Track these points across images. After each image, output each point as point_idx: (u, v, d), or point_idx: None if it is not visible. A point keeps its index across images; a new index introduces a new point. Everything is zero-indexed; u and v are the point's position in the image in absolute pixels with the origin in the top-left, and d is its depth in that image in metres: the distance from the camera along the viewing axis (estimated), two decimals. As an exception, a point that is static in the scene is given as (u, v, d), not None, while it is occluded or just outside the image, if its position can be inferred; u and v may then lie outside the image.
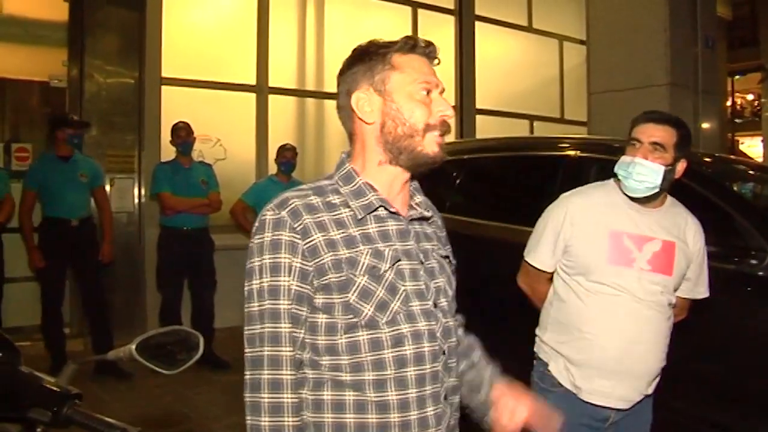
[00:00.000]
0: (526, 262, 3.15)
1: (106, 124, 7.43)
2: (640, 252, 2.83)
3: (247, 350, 1.66)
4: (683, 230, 2.94)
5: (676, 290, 2.95)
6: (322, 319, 1.66)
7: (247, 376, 1.65)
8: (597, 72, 9.15)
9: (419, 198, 1.88)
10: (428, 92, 1.75)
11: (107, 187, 7.07)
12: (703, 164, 4.93)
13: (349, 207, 1.71)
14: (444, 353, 1.75)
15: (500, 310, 4.43)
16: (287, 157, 7.09)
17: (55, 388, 1.50)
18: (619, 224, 2.86)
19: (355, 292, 1.64)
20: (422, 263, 1.76)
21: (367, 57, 1.76)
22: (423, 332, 1.70)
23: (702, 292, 3.09)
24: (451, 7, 10.53)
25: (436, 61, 1.81)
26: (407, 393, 1.67)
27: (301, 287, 1.64)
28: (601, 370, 2.85)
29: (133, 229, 7.51)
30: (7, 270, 6.71)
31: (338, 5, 9.49)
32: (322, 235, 1.64)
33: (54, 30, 7.68)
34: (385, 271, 1.68)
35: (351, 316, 1.65)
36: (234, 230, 7.38)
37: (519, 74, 11.37)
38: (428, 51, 1.79)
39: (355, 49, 1.81)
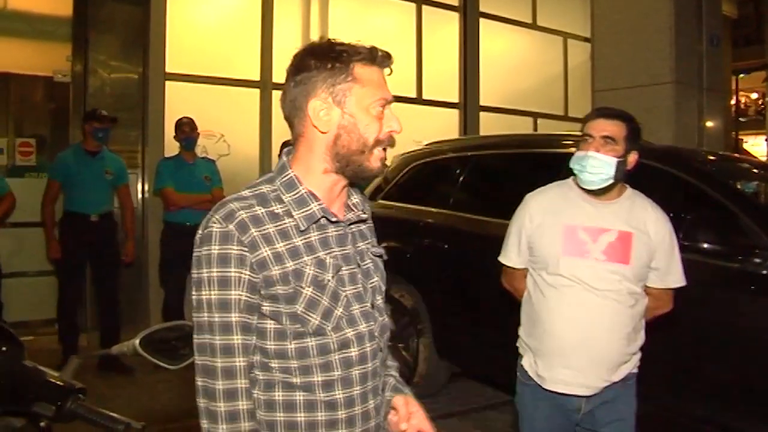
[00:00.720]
0: (499, 261, 3.33)
1: (110, 119, 7.45)
2: (594, 243, 2.95)
3: (198, 358, 1.68)
4: (643, 220, 3.02)
5: (642, 280, 3.02)
6: (270, 325, 1.70)
7: (200, 383, 1.67)
8: (601, 69, 9.14)
9: (355, 198, 1.91)
10: (383, 108, 1.77)
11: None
12: (707, 162, 4.92)
13: (292, 217, 1.73)
14: (381, 350, 1.85)
15: (500, 306, 4.43)
16: (290, 153, 7.03)
17: (58, 383, 1.50)
18: (574, 218, 3.00)
19: (302, 303, 1.69)
20: (359, 266, 1.83)
21: (329, 62, 1.73)
22: (365, 334, 1.78)
23: (675, 281, 3.11)
24: (456, 3, 10.51)
25: (388, 71, 1.80)
26: (352, 391, 1.76)
27: (251, 298, 1.66)
28: (560, 358, 2.98)
29: (136, 224, 7.51)
30: (19, 264, 6.78)
31: (343, 1, 9.48)
32: (270, 249, 1.67)
33: (58, 25, 7.67)
34: (329, 281, 1.73)
35: (299, 326, 1.69)
36: (237, 226, 7.36)
37: (523, 71, 11.35)
38: (387, 63, 1.79)
39: (313, 47, 1.78)
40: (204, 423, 1.67)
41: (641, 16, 8.61)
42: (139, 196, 7.57)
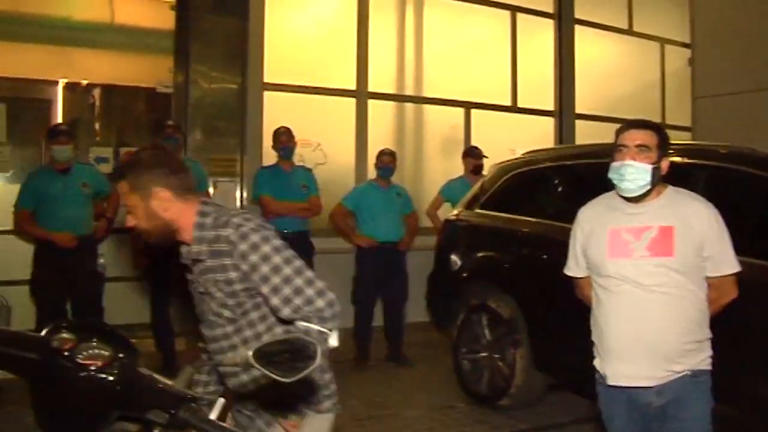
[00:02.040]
0: (565, 275, 3.54)
1: (210, 128, 7.62)
2: (638, 241, 3.10)
3: None
4: (684, 214, 3.11)
5: (694, 269, 3.11)
6: None
7: None
8: (702, 75, 8.93)
9: (187, 247, 2.62)
10: None
11: (211, 190, 7.24)
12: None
13: None
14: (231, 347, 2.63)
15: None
16: (386, 161, 7.11)
17: (172, 391, 1.53)
18: (617, 222, 3.18)
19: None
20: (200, 292, 2.64)
21: None
22: (209, 336, 2.68)
23: (729, 267, 3.17)
24: (551, 11, 10.42)
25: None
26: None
27: None
28: (616, 353, 3.16)
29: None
30: (118, 269, 7.02)
31: (437, 10, 9.50)
32: None
33: (161, 38, 7.92)
34: (193, 292, 2.69)
35: None
36: (334, 234, 7.48)
37: (619, 78, 11.13)
38: None
39: None
40: None
41: (745, 18, 8.37)
42: (238, 203, 7.70)
